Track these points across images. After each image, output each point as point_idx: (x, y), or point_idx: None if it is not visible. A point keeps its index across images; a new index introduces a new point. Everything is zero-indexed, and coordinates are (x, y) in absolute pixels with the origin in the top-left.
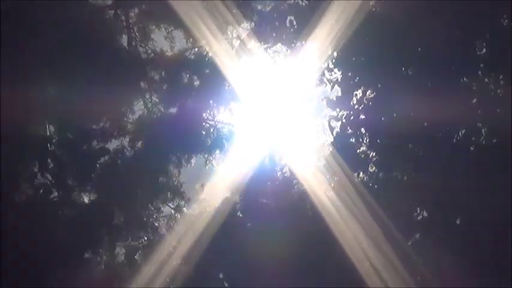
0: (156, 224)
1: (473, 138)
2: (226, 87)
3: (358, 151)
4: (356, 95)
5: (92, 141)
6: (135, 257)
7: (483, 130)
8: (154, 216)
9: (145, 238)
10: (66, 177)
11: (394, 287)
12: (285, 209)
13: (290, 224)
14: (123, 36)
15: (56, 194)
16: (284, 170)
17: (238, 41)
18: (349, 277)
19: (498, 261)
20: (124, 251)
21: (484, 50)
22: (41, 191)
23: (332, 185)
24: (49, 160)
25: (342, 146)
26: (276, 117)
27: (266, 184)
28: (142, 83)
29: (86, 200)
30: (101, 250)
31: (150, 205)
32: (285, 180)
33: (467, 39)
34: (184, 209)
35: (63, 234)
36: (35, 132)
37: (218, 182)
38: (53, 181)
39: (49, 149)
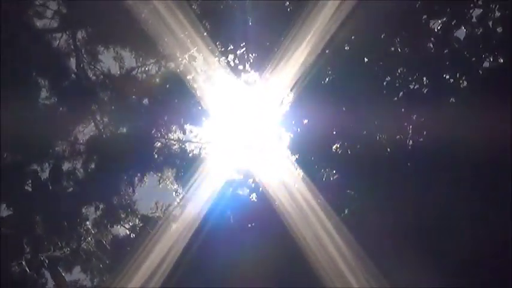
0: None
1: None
2: (177, 105)
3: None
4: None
5: (44, 163)
6: None
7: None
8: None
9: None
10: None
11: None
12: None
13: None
14: (71, 58)
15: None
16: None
17: (189, 57)
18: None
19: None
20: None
21: None
22: None
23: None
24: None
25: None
26: (232, 134)
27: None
28: (92, 105)
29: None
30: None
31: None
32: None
33: None
34: (138, 228)
35: None
36: None
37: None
38: None
39: None
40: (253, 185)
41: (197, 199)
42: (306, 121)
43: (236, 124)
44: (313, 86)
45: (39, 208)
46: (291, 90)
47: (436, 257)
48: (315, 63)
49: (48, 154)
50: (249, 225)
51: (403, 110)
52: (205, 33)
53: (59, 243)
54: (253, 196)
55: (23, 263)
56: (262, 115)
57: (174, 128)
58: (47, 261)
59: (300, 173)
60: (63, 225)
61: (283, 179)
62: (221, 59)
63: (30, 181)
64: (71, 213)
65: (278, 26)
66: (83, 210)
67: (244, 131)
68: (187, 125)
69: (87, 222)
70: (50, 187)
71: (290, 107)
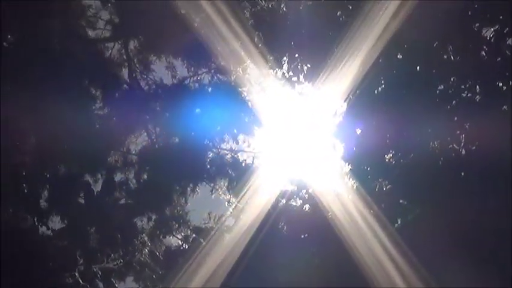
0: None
1: None
2: (230, 114)
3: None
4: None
5: (96, 174)
6: None
7: None
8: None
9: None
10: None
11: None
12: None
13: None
14: (123, 68)
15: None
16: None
17: (242, 67)
18: None
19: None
20: None
21: None
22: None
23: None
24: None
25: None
26: (285, 144)
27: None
28: (144, 115)
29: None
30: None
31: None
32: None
33: None
34: (190, 239)
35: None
36: (41, 165)
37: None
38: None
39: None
40: (306, 196)
41: (250, 210)
42: (359, 131)
43: (289, 134)
44: (366, 95)
45: (92, 220)
46: (344, 100)
47: (492, 266)
48: (368, 72)
49: (101, 165)
50: (302, 236)
51: (456, 118)
52: (259, 44)
53: (112, 254)
54: (307, 207)
55: (76, 274)
56: (316, 125)
57: (226, 137)
58: (100, 273)
59: (353, 183)
60: (116, 236)
61: (337, 189)
62: (275, 70)
63: (82, 193)
64: (124, 225)
65: (331, 35)
66: (136, 221)
67: (298, 142)
68: (240, 135)
69: (142, 235)
70: (103, 199)
71: (343, 117)
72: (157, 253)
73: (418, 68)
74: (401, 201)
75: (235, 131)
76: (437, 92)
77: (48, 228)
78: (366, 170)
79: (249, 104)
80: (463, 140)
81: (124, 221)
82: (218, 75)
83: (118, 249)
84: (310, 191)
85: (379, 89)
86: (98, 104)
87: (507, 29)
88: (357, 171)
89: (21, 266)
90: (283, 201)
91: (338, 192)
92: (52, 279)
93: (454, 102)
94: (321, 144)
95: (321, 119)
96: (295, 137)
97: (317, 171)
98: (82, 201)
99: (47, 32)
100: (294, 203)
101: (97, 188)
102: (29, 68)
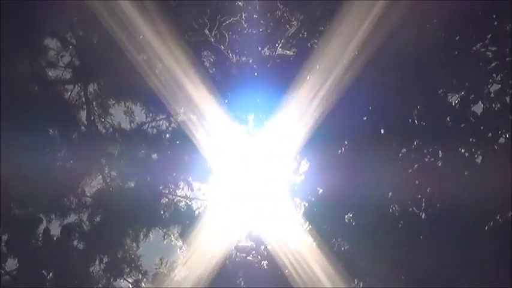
0: None
1: None
2: (186, 161)
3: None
4: None
5: (51, 215)
6: None
7: None
8: None
9: None
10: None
11: None
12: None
13: None
14: (82, 111)
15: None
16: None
17: (199, 115)
18: None
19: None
20: None
21: None
22: None
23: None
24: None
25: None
26: (243, 197)
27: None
28: (101, 158)
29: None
30: None
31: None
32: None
33: None
34: (142, 283)
35: None
36: None
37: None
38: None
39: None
40: (265, 253)
41: (204, 260)
42: (320, 190)
43: (248, 187)
44: (329, 155)
45: (48, 263)
46: (307, 158)
47: None
48: (331, 133)
49: (56, 207)
50: None
51: (417, 182)
52: (221, 95)
53: None
54: (264, 264)
55: None
56: (277, 182)
57: (182, 184)
58: None
59: (312, 241)
60: (72, 281)
61: (295, 247)
62: (236, 121)
63: (40, 236)
64: (78, 268)
65: (295, 90)
66: (89, 264)
67: (257, 196)
68: (196, 182)
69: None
70: (59, 241)
71: (305, 176)
72: None
73: (381, 131)
74: (359, 261)
75: (190, 178)
76: (400, 155)
77: (5, 272)
78: (325, 229)
79: (207, 152)
80: (424, 204)
81: (77, 264)
82: (176, 122)
83: None
84: (268, 247)
85: (342, 149)
86: (55, 145)
87: (472, 95)
88: (316, 230)
89: None
90: (240, 255)
91: (297, 250)
92: None
93: (416, 166)
94: (281, 201)
95: (282, 176)
96: (254, 190)
97: (276, 228)
98: (39, 243)
99: (5, 71)
100: (251, 258)
101: (53, 230)
102: None
